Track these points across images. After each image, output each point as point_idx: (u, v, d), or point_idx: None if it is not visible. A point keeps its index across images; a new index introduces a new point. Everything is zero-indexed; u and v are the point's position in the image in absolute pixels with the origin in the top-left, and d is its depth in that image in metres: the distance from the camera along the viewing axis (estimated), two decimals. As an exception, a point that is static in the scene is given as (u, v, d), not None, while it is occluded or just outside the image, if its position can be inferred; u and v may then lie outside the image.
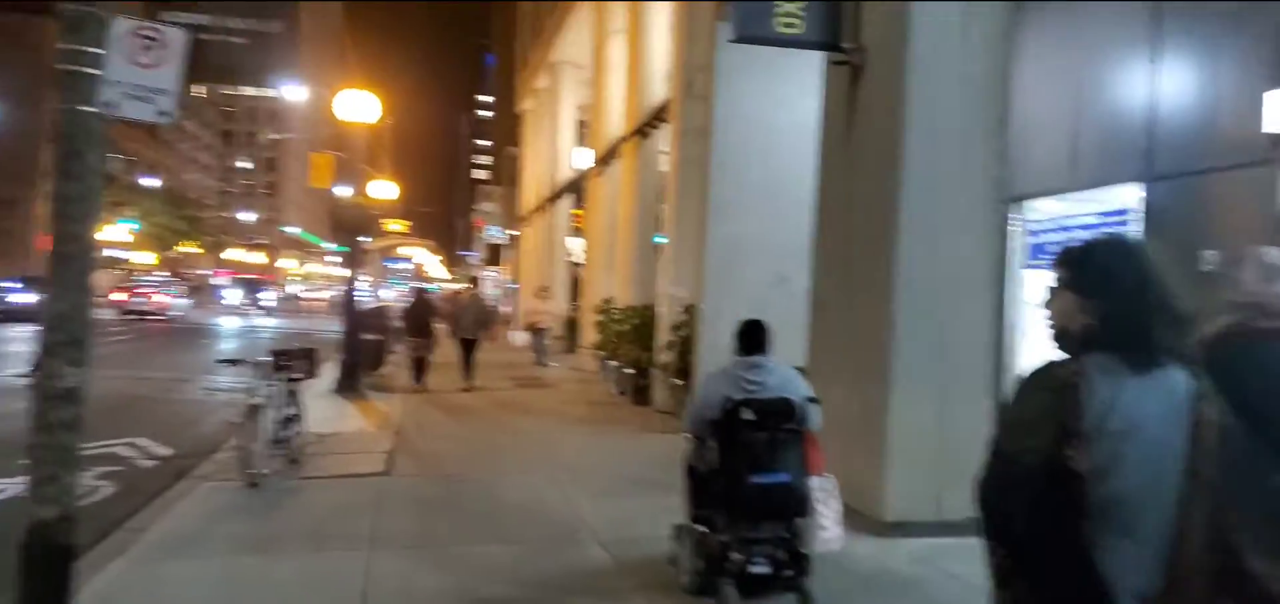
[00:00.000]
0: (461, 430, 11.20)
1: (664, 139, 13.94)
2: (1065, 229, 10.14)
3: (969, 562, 3.45)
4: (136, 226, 59.66)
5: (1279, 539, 1.91)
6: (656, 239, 14.50)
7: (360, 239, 15.19)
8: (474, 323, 16.25)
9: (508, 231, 37.29)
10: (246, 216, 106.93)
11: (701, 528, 5.07)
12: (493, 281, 49.54)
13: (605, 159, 17.52)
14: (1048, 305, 2.20)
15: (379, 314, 19.42)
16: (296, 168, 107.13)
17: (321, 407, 12.68)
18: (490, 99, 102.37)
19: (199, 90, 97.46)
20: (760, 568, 4.75)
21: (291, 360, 8.73)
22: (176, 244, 73.00)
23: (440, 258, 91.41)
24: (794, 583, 4.80)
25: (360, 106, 14.81)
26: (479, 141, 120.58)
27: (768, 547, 4.80)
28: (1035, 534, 1.99)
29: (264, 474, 7.64)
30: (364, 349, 16.75)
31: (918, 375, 6.35)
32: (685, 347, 11.38)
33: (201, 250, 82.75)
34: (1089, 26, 9.56)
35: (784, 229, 10.44)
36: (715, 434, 4.91)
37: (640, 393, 13.13)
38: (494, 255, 49.59)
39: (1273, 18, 7.30)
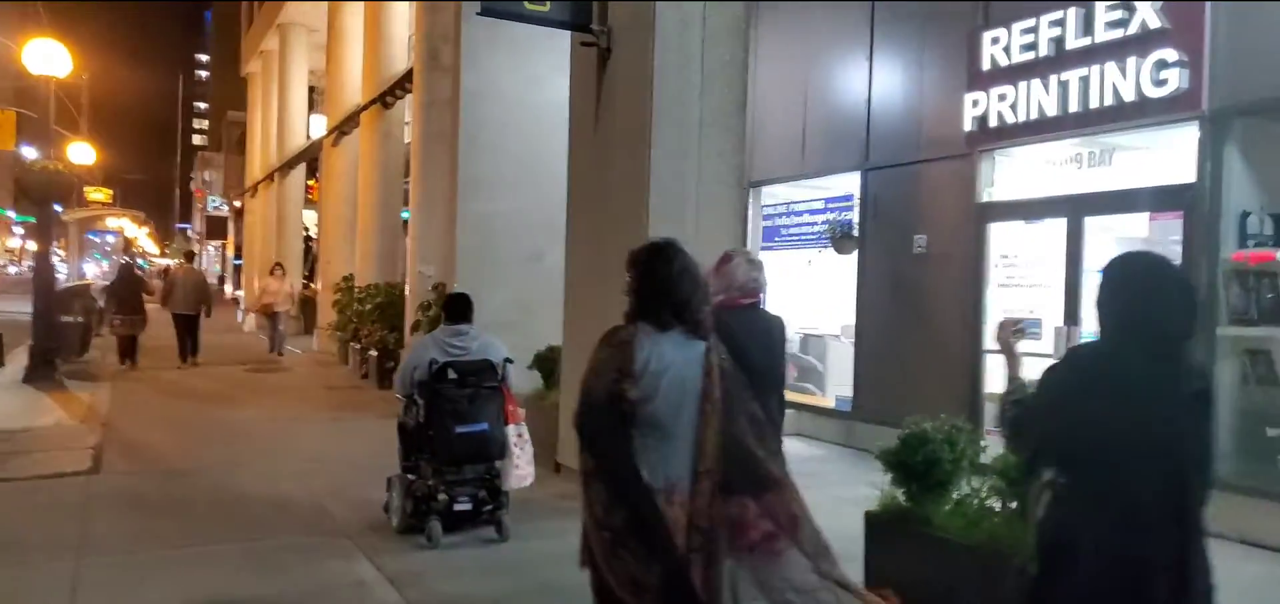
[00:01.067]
0: (185, 419, 10.25)
1: (408, 110, 13.47)
2: (794, 213, 10.98)
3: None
4: None
5: (762, 434, 3.02)
6: (405, 215, 14.03)
7: (52, 208, 13.41)
8: (190, 298, 15.30)
9: (233, 202, 34.49)
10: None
11: (410, 476, 5.89)
12: (214, 256, 45.81)
13: (342, 128, 16.65)
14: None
15: (80, 293, 17.34)
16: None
17: (10, 400, 11.19)
18: (207, 59, 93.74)
19: None
20: (463, 505, 5.72)
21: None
22: None
23: (149, 230, 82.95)
24: (492, 516, 5.82)
25: (50, 58, 13.09)
26: (199, 105, 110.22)
27: (469, 487, 5.76)
28: (603, 440, 2.88)
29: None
30: (62, 332, 14.92)
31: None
32: (434, 326, 11.10)
33: None
34: (816, 23, 10.39)
35: (541, 206, 10.39)
36: (422, 393, 5.75)
37: (385, 376, 12.65)
38: (217, 228, 45.88)
39: (971, 22, 8.31)
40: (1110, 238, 7.80)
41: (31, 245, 22.94)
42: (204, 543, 5.68)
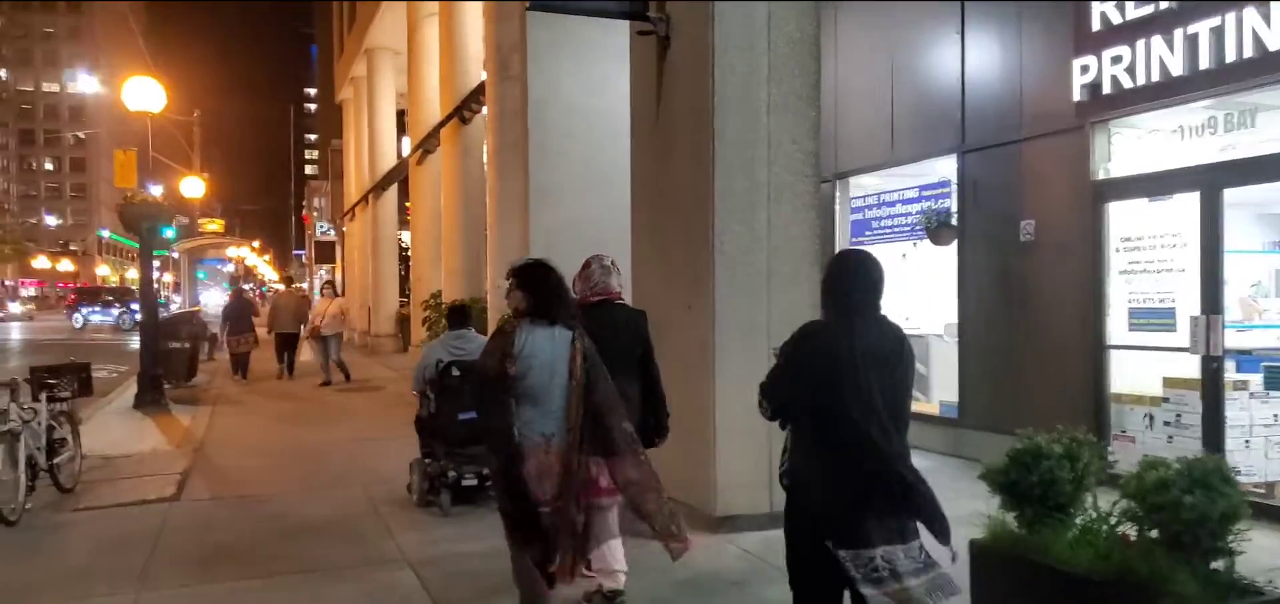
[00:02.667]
0: (271, 443, 10.27)
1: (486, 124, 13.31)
2: (886, 204, 10.27)
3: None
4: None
5: (616, 407, 4.10)
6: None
7: (153, 237, 13.77)
8: (291, 318, 17.53)
9: (339, 227, 35.49)
10: (53, 221, 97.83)
11: (427, 459, 6.99)
12: (324, 280, 47.29)
13: (426, 146, 16.69)
14: (508, 294, 4.23)
15: (187, 320, 17.89)
16: (108, 167, 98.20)
17: (117, 425, 11.47)
18: (315, 93, 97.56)
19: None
20: (469, 480, 6.75)
21: (56, 377, 7.65)
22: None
23: (268, 257, 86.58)
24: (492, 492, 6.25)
25: (146, 95, 13.46)
26: (309, 136, 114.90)
27: (474, 465, 6.69)
28: (488, 406, 3.99)
29: (23, 508, 6.64)
30: (170, 358, 15.39)
31: (742, 358, 6.08)
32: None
33: (2, 260, 75.01)
34: (900, 3, 9.69)
35: (609, 215, 10.01)
36: (432, 388, 6.89)
37: (470, 391, 12.53)
38: (325, 253, 47.32)
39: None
40: (1253, 213, 6.91)
41: (168, 277, 24.03)
42: (263, 575, 5.47)
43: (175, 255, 22.96)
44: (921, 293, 10.07)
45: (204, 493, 7.72)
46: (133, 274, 69.91)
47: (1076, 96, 7.37)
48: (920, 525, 3.20)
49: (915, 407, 10.52)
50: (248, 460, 9.21)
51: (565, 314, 4.11)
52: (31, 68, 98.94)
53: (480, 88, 12.99)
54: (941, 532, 3.13)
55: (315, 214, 56.20)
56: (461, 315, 7.46)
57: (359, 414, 12.51)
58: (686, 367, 6.32)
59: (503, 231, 11.44)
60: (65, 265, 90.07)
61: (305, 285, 44.31)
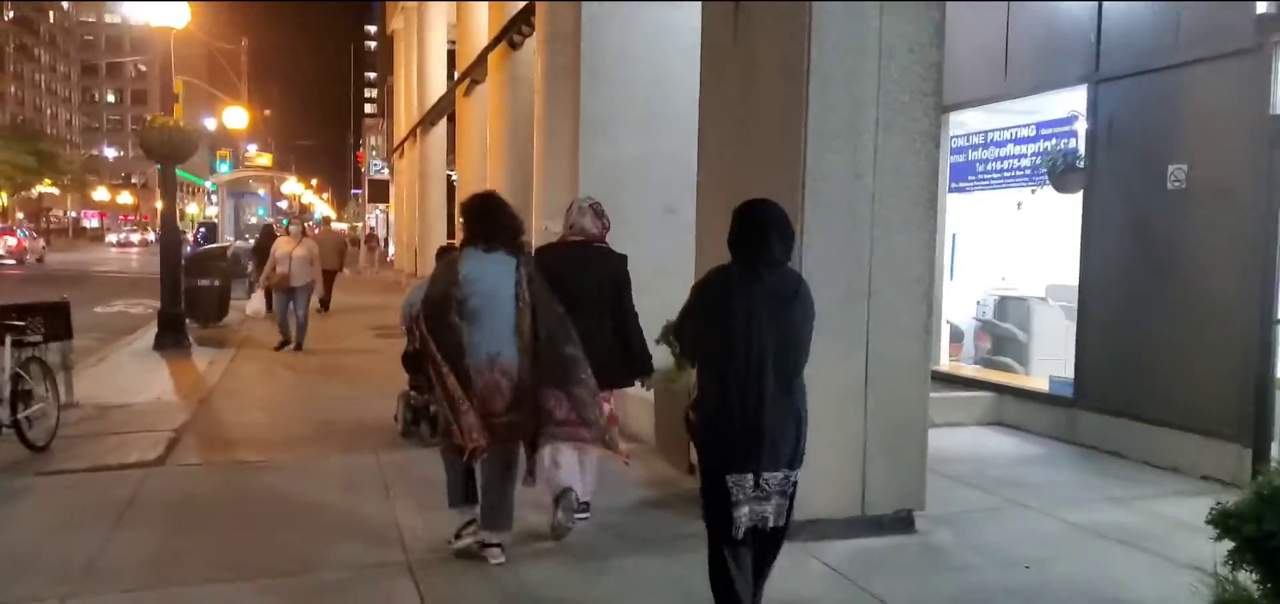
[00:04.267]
0: (284, 397, 9.30)
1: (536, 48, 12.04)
2: (995, 144, 8.82)
3: (901, 575, 4.35)
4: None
5: (569, 334, 4.44)
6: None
7: (175, 166, 12.84)
8: (330, 256, 17.78)
9: (389, 165, 34.65)
10: (112, 153, 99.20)
11: (412, 392, 7.13)
12: (378, 218, 46.78)
13: (473, 76, 15.48)
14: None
15: (218, 256, 17.06)
16: (186, 106, 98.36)
17: (128, 370, 10.64)
18: (375, 30, 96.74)
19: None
20: None
21: (24, 318, 6.68)
22: (32, 184, 66.79)
23: (326, 196, 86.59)
24: None
25: (169, 12, 12.45)
26: (369, 75, 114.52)
27: None
28: (438, 326, 4.33)
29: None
30: (199, 296, 14.58)
31: (835, 327, 4.81)
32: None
33: (60, 190, 76.22)
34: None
35: (674, 150, 8.85)
36: (416, 324, 6.04)
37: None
38: (379, 191, 46.75)
39: None
40: None
41: (211, 210, 23.48)
42: (229, 576, 4.40)
43: (211, 187, 22.06)
44: (1021, 248, 8.67)
45: (193, 456, 6.72)
46: (192, 209, 70.54)
47: (1260, 7, 5.88)
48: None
49: (1012, 379, 9.27)
50: (254, 415, 8.22)
51: (505, 242, 4.40)
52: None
53: (531, 7, 11.71)
54: (796, 462, 3.48)
55: (372, 152, 55.63)
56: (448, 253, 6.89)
57: (391, 361, 11.48)
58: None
59: (550, 169, 10.25)
60: (124, 197, 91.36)
61: (364, 225, 43.69)
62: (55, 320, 6.82)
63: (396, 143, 27.86)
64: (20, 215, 68.07)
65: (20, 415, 6.38)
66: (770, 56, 5.14)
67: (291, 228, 13.41)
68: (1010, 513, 5.59)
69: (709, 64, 6.02)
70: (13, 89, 77.71)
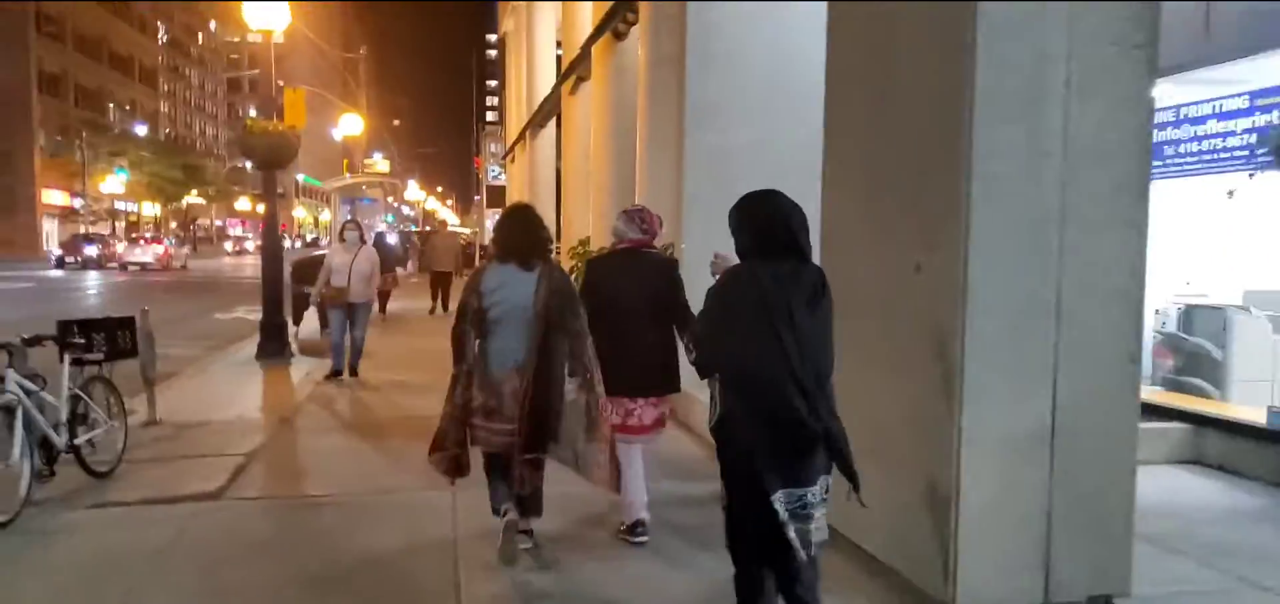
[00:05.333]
0: (372, 412, 8.64)
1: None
2: (1193, 121, 7.35)
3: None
4: (124, 175, 57.21)
5: (581, 336, 4.46)
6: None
7: (276, 171, 12.54)
8: (445, 258, 18.94)
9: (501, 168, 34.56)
10: (248, 166, 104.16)
11: None
12: (345, 220, 47.08)
13: (578, 72, 14.69)
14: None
15: (322, 262, 16.87)
16: (309, 114, 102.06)
17: (221, 382, 10.28)
18: (495, 38, 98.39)
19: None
20: None
21: (87, 335, 6.16)
22: (181, 195, 70.65)
23: (449, 202, 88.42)
24: None
25: (268, 14, 12.13)
26: (490, 82, 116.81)
27: None
28: (464, 332, 4.48)
29: (23, 504, 5.18)
30: (306, 304, 14.32)
31: (1004, 356, 3.68)
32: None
33: (206, 200, 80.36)
34: None
35: (794, 136, 7.80)
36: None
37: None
38: (496, 197, 46.99)
39: None
40: None
41: (325, 215, 23.98)
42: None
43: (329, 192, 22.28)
44: (1212, 247, 7.17)
45: (254, 487, 6.06)
46: (325, 216, 73.02)
47: None
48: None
49: (1211, 407, 7.66)
50: (332, 439, 7.55)
51: (529, 255, 4.47)
52: (236, 23, 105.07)
53: (635, -10, 10.79)
54: (851, 478, 3.11)
55: (490, 158, 56.24)
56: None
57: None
58: (905, 364, 3.98)
59: (653, 161, 9.30)
60: (263, 208, 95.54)
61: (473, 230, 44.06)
62: (119, 336, 6.29)
63: (508, 147, 27.54)
64: (173, 225, 72.17)
65: (80, 440, 5.85)
66: (917, 7, 4.02)
67: (347, 234, 10.85)
68: (1245, 599, 4.26)
69: (837, 22, 4.93)
70: (164, 108, 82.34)
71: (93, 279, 32.69)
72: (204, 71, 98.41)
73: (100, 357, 6.13)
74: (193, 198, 75.07)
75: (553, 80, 21.12)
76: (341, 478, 6.37)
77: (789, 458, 3.03)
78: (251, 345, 12.53)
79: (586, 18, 14.59)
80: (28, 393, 5.38)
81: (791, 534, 3.03)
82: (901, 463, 4.07)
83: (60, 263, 40.76)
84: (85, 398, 5.95)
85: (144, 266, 39.88)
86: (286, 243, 66.27)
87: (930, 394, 3.85)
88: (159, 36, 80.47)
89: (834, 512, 4.93)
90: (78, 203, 55.77)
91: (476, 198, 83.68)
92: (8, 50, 53.37)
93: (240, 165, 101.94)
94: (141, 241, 45.62)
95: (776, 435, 3.02)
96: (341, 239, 11.01)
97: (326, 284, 10.47)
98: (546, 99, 19.15)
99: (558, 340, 4.42)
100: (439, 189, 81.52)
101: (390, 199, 72.13)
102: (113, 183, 57.13)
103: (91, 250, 41.52)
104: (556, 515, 5.04)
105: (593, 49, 12.80)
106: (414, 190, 56.36)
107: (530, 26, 21.67)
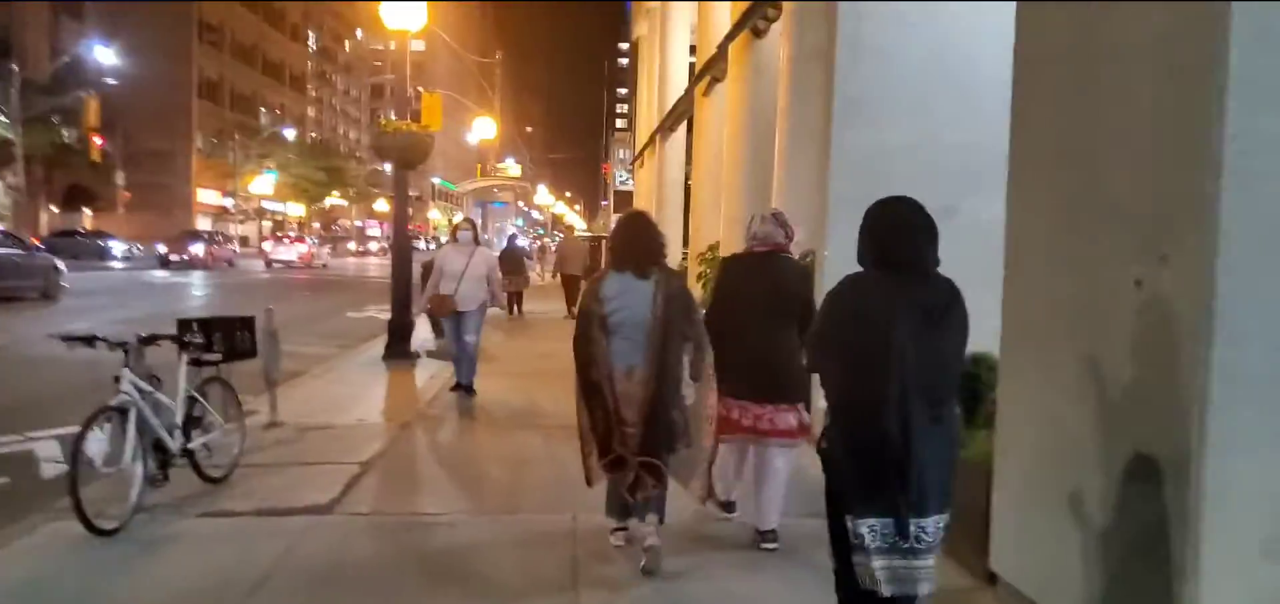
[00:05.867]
0: (497, 422, 8.29)
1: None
2: None
3: None
4: (273, 176, 60.23)
5: (700, 342, 4.60)
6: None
7: (407, 172, 12.47)
8: (575, 262, 19.83)
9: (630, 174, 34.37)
10: (387, 169, 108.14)
11: None
12: (456, 222, 47.18)
13: (713, 72, 14.12)
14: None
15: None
16: (445, 118, 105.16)
17: (349, 383, 10.19)
18: (627, 47, 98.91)
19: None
20: None
21: (207, 334, 5.98)
22: (324, 196, 73.90)
23: (578, 207, 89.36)
24: None
25: (405, 13, 12.08)
26: (621, 90, 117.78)
27: None
28: (580, 339, 4.57)
29: (134, 510, 5.01)
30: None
31: (1270, 402, 2.89)
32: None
33: (347, 202, 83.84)
34: None
35: (957, 134, 7.06)
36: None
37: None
38: (624, 203, 47.06)
39: None
40: None
41: (503, 226, 24.64)
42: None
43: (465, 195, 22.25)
44: None
45: (366, 501, 5.74)
46: (458, 217, 74.55)
47: None
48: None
49: None
50: (453, 450, 7.25)
51: (644, 263, 4.55)
52: (381, 30, 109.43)
53: (777, -17, 10.15)
54: (939, 510, 2.91)
55: (619, 164, 56.47)
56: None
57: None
58: (1118, 401, 3.24)
59: (793, 164, 8.64)
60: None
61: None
62: (238, 336, 6.10)
63: (637, 152, 27.22)
64: (316, 225, 75.60)
65: (194, 443, 5.67)
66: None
67: (460, 234, 9.64)
68: None
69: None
70: (311, 112, 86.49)
71: (209, 278, 31.48)
72: (349, 78, 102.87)
73: (218, 357, 5.94)
74: (335, 199, 78.43)
75: (685, 84, 20.64)
76: (456, 494, 6.01)
77: (878, 483, 2.85)
78: (379, 345, 12.49)
79: (723, 18, 14.02)
80: (143, 394, 5.21)
81: (876, 569, 2.86)
82: (1108, 520, 3.32)
83: (164, 262, 36.50)
84: (201, 400, 5.76)
85: (287, 264, 41.63)
86: (420, 243, 68.63)
87: (1163, 438, 3.09)
88: (309, 44, 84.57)
89: (1001, 554, 4.21)
90: (229, 202, 58.97)
91: (604, 203, 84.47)
92: (173, 58, 56.94)
93: (379, 168, 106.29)
94: (285, 240, 47.87)
95: (867, 458, 2.88)
96: (454, 239, 9.84)
97: (434, 291, 9.28)
98: (678, 102, 18.67)
99: (676, 347, 4.50)
100: (568, 194, 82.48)
101: (521, 203, 73.52)
102: (261, 183, 60.15)
103: (197, 248, 38.28)
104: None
105: (729, 48, 12.21)
106: (543, 195, 57.10)
107: (664, 29, 21.26)
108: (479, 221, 23.15)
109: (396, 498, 5.95)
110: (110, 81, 41.56)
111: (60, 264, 22.11)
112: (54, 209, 49.59)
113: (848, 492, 2.93)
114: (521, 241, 26.73)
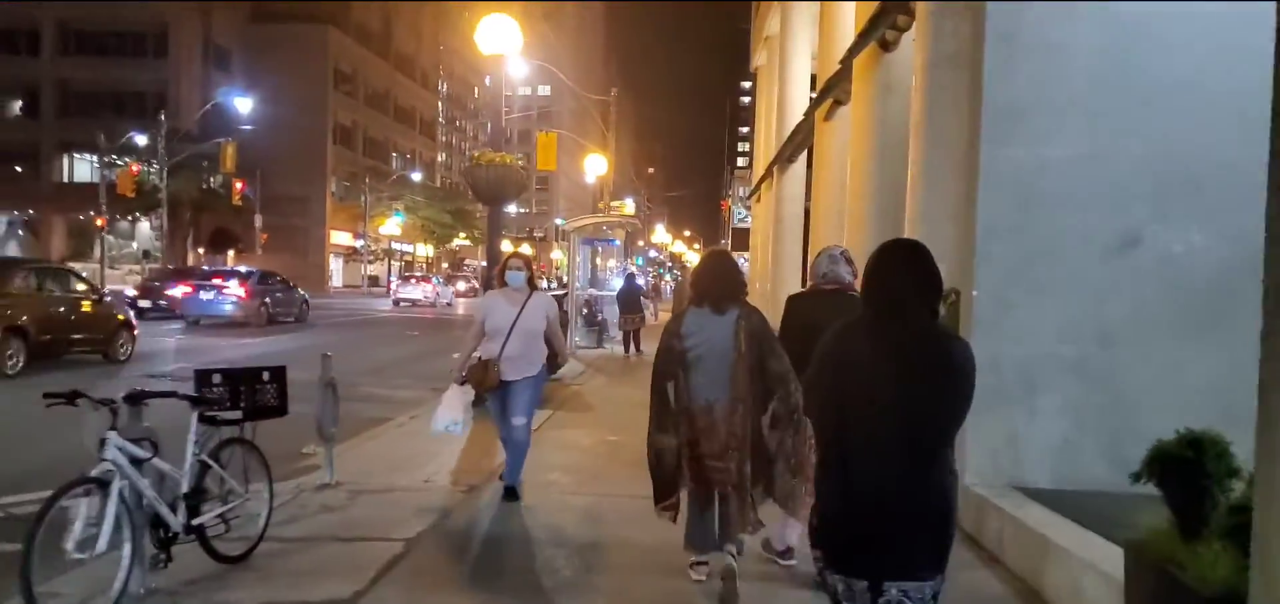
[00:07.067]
0: (579, 487, 7.21)
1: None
2: None
3: None
4: (401, 218, 61.79)
5: (782, 379, 4.57)
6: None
7: (503, 207, 11.66)
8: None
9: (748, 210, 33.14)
10: (511, 210, 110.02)
11: None
12: (509, 258, 45.99)
13: (835, 94, 12.80)
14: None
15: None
16: (565, 161, 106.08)
17: (424, 433, 9.29)
18: (749, 83, 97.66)
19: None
20: None
21: (231, 388, 5.13)
22: (451, 237, 75.51)
23: (697, 245, 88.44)
24: None
25: (501, 36, 11.33)
26: (743, 129, 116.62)
27: None
28: (657, 374, 4.72)
29: (119, 596, 4.15)
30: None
31: None
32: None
33: (472, 243, 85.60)
34: None
35: (1146, 147, 5.68)
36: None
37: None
38: (742, 240, 45.89)
39: None
40: None
41: (614, 264, 23.81)
42: None
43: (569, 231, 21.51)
44: None
45: (399, 594, 4.71)
46: (587, 260, 74.74)
47: None
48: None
49: None
50: (513, 528, 6.15)
51: (724, 300, 4.66)
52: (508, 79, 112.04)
53: (907, -13, 8.85)
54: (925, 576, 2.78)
55: (737, 202, 55.32)
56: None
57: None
58: None
59: (929, 186, 7.31)
60: (525, 249, 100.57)
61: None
62: (261, 390, 5.21)
63: (754, 185, 25.99)
64: (444, 266, 77.29)
65: (204, 517, 4.79)
66: None
67: (510, 277, 6.76)
68: None
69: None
70: (441, 157, 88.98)
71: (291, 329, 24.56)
72: (477, 123, 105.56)
73: (238, 414, 5.06)
74: (462, 240, 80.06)
75: (803, 106, 19.37)
76: (512, 582, 4.90)
77: (855, 538, 2.80)
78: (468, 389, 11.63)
79: (846, 35, 12.73)
80: (137, 461, 4.35)
81: None
82: None
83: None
84: (215, 465, 4.88)
85: (413, 302, 42.22)
86: (542, 284, 68.88)
87: None
88: (438, 90, 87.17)
89: None
90: (360, 243, 60.78)
91: (723, 241, 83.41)
92: (310, 107, 59.35)
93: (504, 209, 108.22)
94: (412, 279, 48.74)
95: (845, 512, 2.83)
96: (502, 282, 6.86)
97: (473, 353, 6.71)
98: (796, 129, 17.39)
99: (758, 383, 4.55)
100: (687, 233, 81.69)
101: (641, 243, 73.09)
102: (391, 225, 61.80)
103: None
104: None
105: (854, 64, 10.91)
106: (661, 233, 56.50)
107: (783, 55, 20.06)
108: (586, 262, 22.47)
109: (438, 588, 4.90)
110: (247, 127, 43.32)
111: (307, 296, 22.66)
112: (200, 251, 52.17)
113: (825, 545, 2.92)
114: (640, 280, 25.94)
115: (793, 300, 5.30)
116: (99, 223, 40.13)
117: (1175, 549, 3.50)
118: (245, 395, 5.14)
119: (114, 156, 40.31)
